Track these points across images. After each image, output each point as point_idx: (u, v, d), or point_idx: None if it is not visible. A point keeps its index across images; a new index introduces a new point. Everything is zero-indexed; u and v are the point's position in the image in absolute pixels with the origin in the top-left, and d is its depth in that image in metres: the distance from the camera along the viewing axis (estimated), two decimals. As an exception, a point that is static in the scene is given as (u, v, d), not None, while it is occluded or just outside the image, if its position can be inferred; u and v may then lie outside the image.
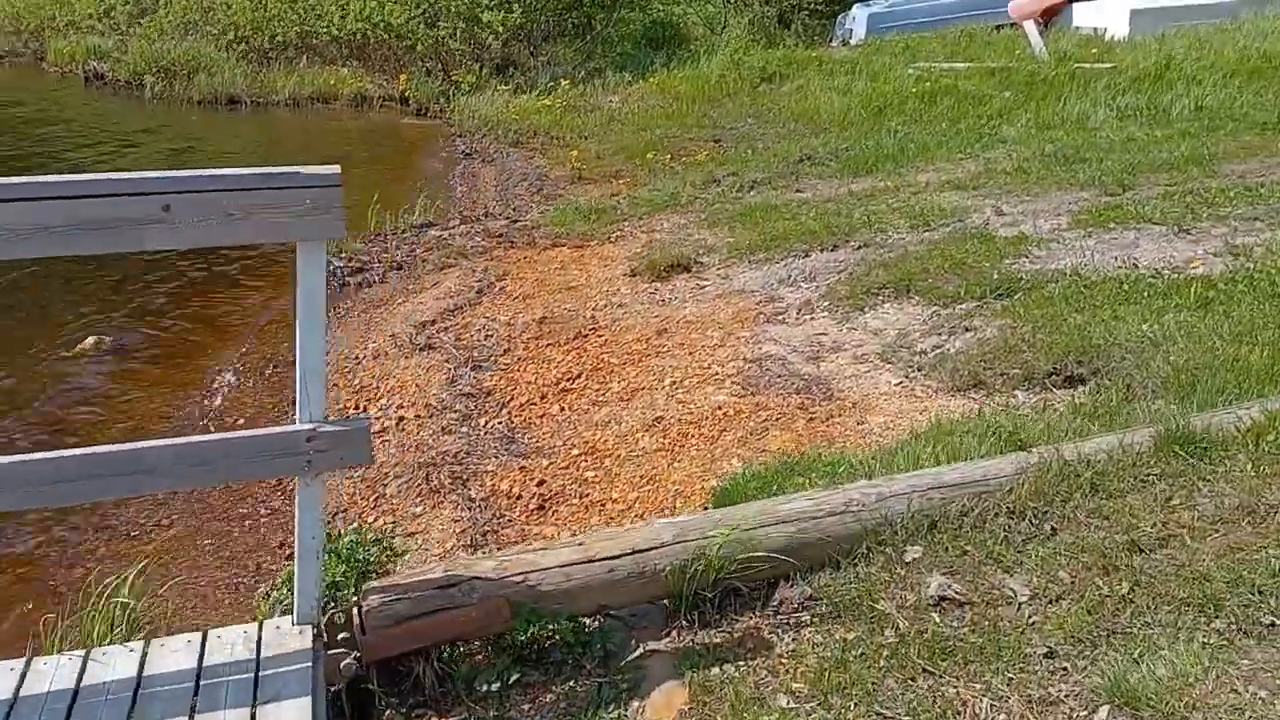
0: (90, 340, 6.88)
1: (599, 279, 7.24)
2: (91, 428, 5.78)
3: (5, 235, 2.33)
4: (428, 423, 5.34)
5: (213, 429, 5.66)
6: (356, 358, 6.45)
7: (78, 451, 2.64)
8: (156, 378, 6.54)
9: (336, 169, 2.56)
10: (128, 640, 3.05)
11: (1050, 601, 2.91)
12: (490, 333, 6.42)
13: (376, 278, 8.07)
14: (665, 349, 5.87)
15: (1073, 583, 2.96)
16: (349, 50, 17.60)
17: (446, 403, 5.50)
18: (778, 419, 4.84)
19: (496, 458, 4.92)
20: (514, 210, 9.65)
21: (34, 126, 14.92)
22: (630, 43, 17.37)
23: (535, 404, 5.44)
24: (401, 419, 5.45)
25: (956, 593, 2.98)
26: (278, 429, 2.84)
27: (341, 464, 2.86)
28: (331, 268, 8.33)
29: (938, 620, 2.88)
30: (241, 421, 5.84)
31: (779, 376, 5.22)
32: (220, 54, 17.73)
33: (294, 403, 2.78)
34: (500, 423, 5.28)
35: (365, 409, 5.67)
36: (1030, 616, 2.86)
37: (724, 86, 14.14)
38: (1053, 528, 3.21)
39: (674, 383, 5.43)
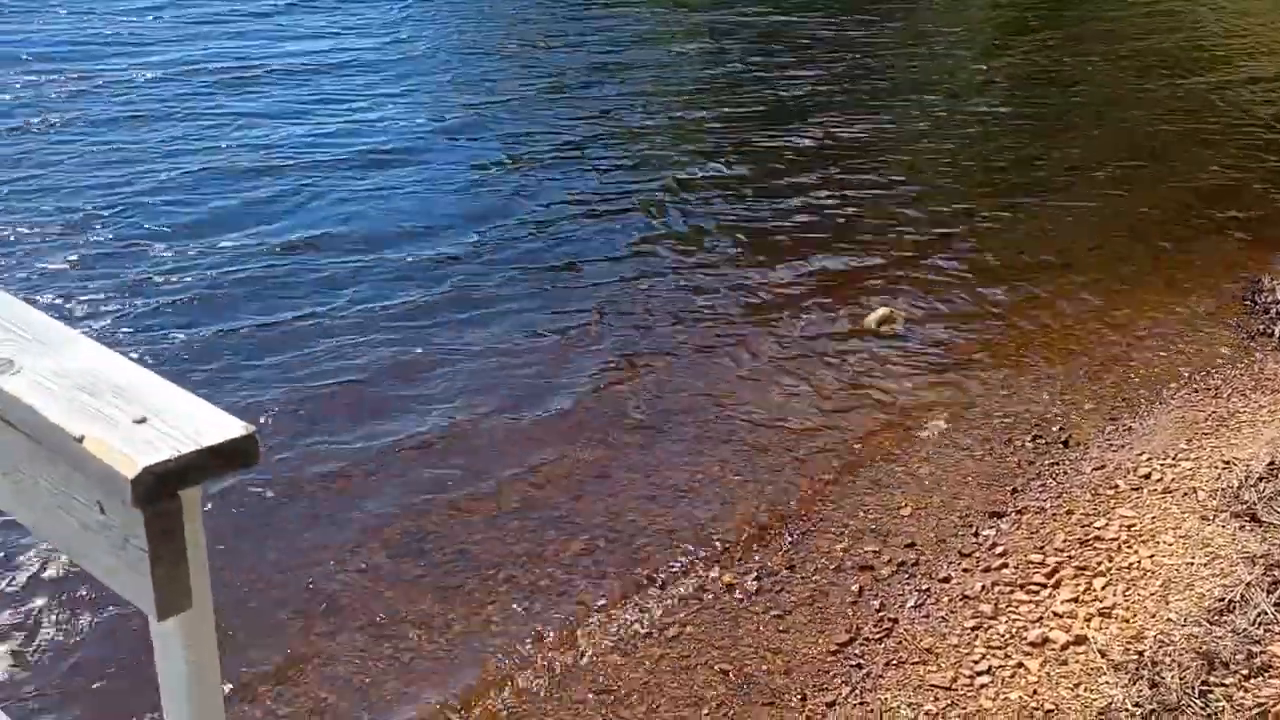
0: (880, 312, 5.43)
1: None
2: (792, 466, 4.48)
3: None
4: None
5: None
6: (1147, 476, 4.03)
7: None
8: (926, 390, 4.87)
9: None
10: None
11: None
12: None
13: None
14: None
15: None
16: None
17: (1140, 673, 2.97)
18: None
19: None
20: None
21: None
22: None
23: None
24: (1017, 670, 3.09)
25: None
26: None
27: None
28: (1275, 298, 5.54)
29: None
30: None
31: None
32: None
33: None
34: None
35: (1030, 607, 3.42)
36: None
37: None
38: None
39: None
